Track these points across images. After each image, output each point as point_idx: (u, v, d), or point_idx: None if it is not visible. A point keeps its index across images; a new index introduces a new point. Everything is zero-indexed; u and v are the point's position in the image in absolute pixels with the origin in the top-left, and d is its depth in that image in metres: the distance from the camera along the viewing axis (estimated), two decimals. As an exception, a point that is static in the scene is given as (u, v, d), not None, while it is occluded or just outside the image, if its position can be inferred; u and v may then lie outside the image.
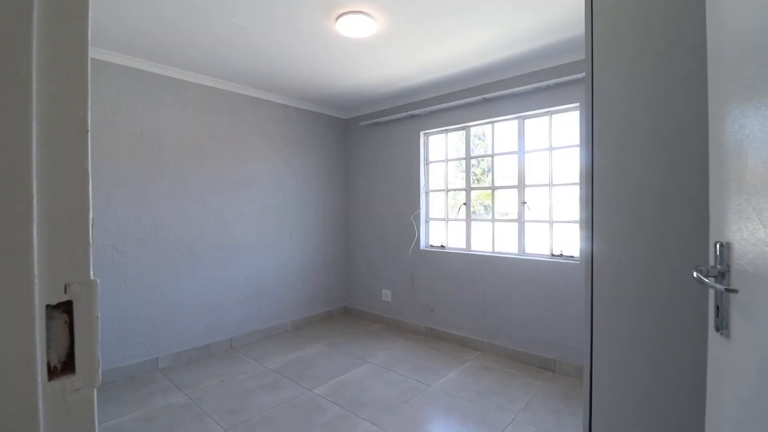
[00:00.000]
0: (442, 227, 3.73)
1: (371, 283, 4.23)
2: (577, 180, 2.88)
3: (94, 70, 2.72)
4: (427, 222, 3.84)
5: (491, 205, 3.35)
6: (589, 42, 1.06)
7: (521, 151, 3.16)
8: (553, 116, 3.02)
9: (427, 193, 3.83)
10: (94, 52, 2.69)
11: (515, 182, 3.20)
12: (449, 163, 3.69)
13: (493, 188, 3.34)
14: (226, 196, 3.43)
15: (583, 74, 2.78)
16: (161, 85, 3.04)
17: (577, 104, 2.83)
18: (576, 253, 2.89)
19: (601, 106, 1.06)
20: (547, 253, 3.02)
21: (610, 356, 1.02)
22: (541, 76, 2.96)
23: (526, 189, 3.15)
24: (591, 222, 1.10)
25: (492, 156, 3.34)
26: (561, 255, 2.95)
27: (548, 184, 3.02)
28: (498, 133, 3.34)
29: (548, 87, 2.92)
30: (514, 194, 3.22)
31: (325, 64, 2.96)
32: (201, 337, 3.27)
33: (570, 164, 2.97)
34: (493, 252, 3.31)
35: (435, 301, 3.63)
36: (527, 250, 3.13)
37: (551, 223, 3.00)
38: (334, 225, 4.42)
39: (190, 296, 3.20)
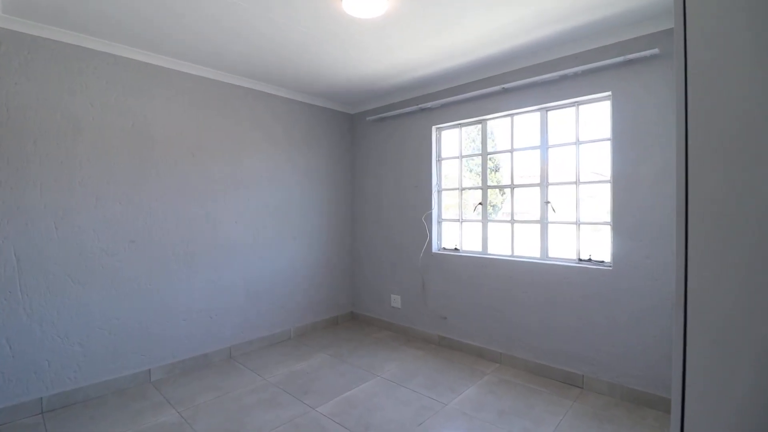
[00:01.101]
0: (456, 228, 3.47)
1: (379, 287, 3.99)
2: (608, 177, 2.61)
3: (81, 59, 2.50)
4: (439, 223, 3.58)
5: (510, 205, 3.08)
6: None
7: (544, 146, 2.90)
8: (581, 107, 2.75)
9: (439, 192, 3.58)
10: (80, 40, 2.48)
11: (536, 180, 2.94)
12: (463, 159, 3.43)
13: (512, 186, 3.07)
14: (224, 195, 3.21)
15: (616, 59, 2.53)
16: (154, 75, 2.82)
17: (608, 93, 2.56)
18: (607, 258, 2.62)
19: (700, 86, 0.78)
20: (574, 257, 2.75)
21: (712, 387, 0.76)
22: (567, 62, 2.69)
23: (550, 187, 2.88)
24: (685, 226, 0.81)
25: (511, 151, 3.08)
26: (589, 260, 2.68)
27: (574, 182, 2.76)
28: (518, 127, 3.07)
29: (576, 75, 2.66)
30: (535, 193, 2.95)
31: (328, 51, 2.71)
32: (198, 346, 3.05)
33: (599, 160, 2.70)
34: (512, 255, 3.04)
35: (448, 308, 3.38)
36: (551, 254, 2.87)
37: (578, 224, 2.73)
38: (340, 226, 4.18)
39: (186, 302, 2.98)
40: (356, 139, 4.24)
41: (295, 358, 3.16)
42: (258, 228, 3.44)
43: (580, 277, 2.65)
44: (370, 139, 4.07)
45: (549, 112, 2.89)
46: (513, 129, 3.07)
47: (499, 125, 3.20)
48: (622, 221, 2.48)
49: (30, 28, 2.30)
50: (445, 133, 3.57)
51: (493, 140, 3.26)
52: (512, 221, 3.05)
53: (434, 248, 3.52)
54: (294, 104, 3.73)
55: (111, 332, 2.63)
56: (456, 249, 3.43)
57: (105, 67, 2.61)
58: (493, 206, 3.31)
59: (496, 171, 3.37)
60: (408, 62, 2.92)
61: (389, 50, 2.70)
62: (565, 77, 2.71)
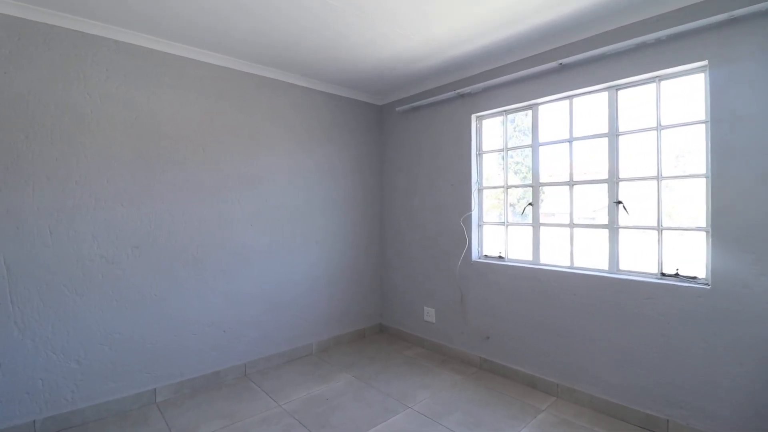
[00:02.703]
0: (500, 233, 2.98)
1: (411, 298, 3.55)
2: (704, 171, 2.04)
3: (78, 46, 2.25)
4: (480, 226, 3.10)
5: (569, 205, 2.56)
6: None
7: (613, 133, 2.36)
8: (662, 83, 2.20)
9: (479, 191, 3.10)
10: (79, 25, 2.23)
11: (601, 175, 2.40)
12: (508, 153, 2.93)
13: (571, 183, 2.55)
14: (237, 195, 2.90)
15: (716, 17, 1.85)
16: (160, 63, 2.55)
17: (703, 63, 2.00)
18: (700, 273, 2.06)
19: None
20: (654, 271, 2.20)
21: None
22: (646, 26, 2.15)
23: (621, 184, 2.34)
24: None
25: (570, 141, 2.56)
26: (676, 275, 2.12)
27: (655, 177, 2.20)
28: (577, 112, 2.54)
29: (658, 41, 2.11)
30: (600, 192, 2.42)
31: (352, 25, 2.32)
32: (208, 363, 2.75)
33: (691, 149, 2.14)
34: (571, 267, 2.52)
35: (491, 326, 2.89)
36: (622, 266, 2.33)
37: (660, 230, 2.18)
38: (367, 228, 3.79)
39: (195, 314, 2.69)
40: (385, 132, 3.83)
41: (316, 379, 2.80)
42: (276, 231, 3.11)
43: (664, 296, 2.09)
44: (400, 132, 3.65)
45: (619, 92, 2.35)
46: (572, 114, 2.55)
47: (553, 110, 2.68)
48: (725, 227, 1.92)
49: (21, 11, 2.07)
50: (486, 123, 3.08)
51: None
52: (571, 225, 2.53)
53: (474, 255, 3.05)
54: (315, 95, 3.37)
55: (112, 348, 2.37)
56: (500, 257, 2.93)
57: (105, 54, 2.35)
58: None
59: (548, 166, 2.85)
60: (445, 38, 2.48)
61: (424, 21, 2.26)
62: (642, 46, 2.16)
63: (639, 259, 2.29)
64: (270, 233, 3.07)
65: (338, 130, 3.54)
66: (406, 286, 3.60)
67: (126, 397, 2.40)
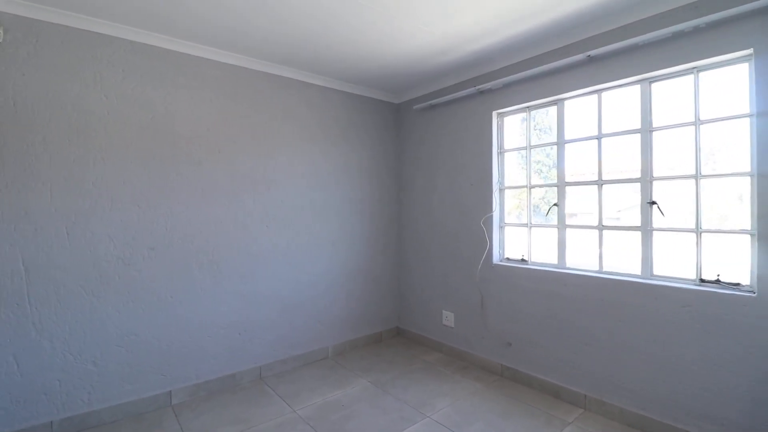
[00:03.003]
0: (523, 235, 2.85)
1: (429, 301, 3.46)
2: (749, 168, 1.88)
3: (95, 47, 2.25)
4: (501, 228, 2.98)
5: (598, 206, 2.41)
6: None
7: (646, 129, 2.21)
8: (701, 74, 2.04)
9: (501, 191, 2.98)
10: (94, 25, 2.23)
11: (633, 174, 2.26)
12: (528, 152, 2.80)
13: (600, 183, 2.41)
14: (253, 196, 2.86)
15: (763, 1, 1.78)
16: (175, 63, 2.53)
17: (748, 52, 1.84)
18: (744, 279, 1.89)
19: None
20: (693, 277, 2.05)
21: None
22: (684, 13, 2.00)
23: (655, 183, 2.19)
24: None
25: (599, 138, 2.41)
26: (717, 281, 1.96)
27: (693, 176, 2.05)
28: (606, 107, 2.40)
29: (696, 29, 1.96)
30: (632, 192, 2.28)
31: (369, 20, 2.24)
32: (224, 366, 2.72)
33: (733, 145, 1.98)
34: (600, 272, 2.38)
35: (513, 332, 2.77)
36: (656, 272, 2.18)
37: (699, 232, 2.03)
38: (384, 229, 3.71)
39: (211, 316, 2.67)
40: (402, 131, 3.74)
41: (331, 384, 2.73)
42: (291, 232, 3.06)
43: (703, 304, 1.94)
44: (418, 130, 3.56)
45: (653, 84, 2.20)
46: (601, 109, 2.41)
47: (579, 106, 2.54)
48: (774, 229, 1.76)
49: (38, 12, 2.07)
50: (508, 120, 2.96)
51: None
52: (600, 227, 2.39)
53: (495, 258, 2.93)
54: (331, 93, 3.31)
55: (128, 349, 2.36)
56: (523, 260, 2.81)
57: (121, 55, 2.34)
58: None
59: (571, 164, 2.71)
60: (467, 30, 2.37)
61: (445, 14, 2.17)
62: (679, 35, 2.01)
63: (675, 263, 2.14)
64: (285, 234, 3.02)
65: (355, 129, 3.47)
66: (424, 289, 3.51)
67: (141, 399, 2.39)
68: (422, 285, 3.52)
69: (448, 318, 3.25)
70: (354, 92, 3.45)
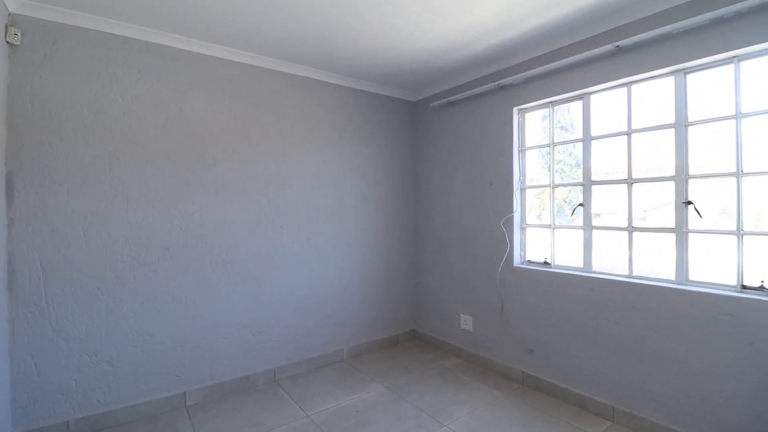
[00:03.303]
0: (545, 237, 2.72)
1: (447, 304, 3.36)
2: (799, 164, 1.72)
3: (110, 48, 2.25)
4: (522, 229, 2.86)
5: (628, 206, 2.27)
6: None
7: (680, 124, 2.06)
8: (742, 63, 1.88)
9: (522, 191, 2.85)
10: (110, 26, 2.23)
11: (666, 172, 2.11)
12: (547, 150, 2.67)
13: (629, 182, 2.26)
14: (267, 196, 2.83)
15: None
16: (190, 63, 2.51)
17: (799, 37, 1.68)
18: (794, 287, 1.73)
19: None
20: (733, 283, 1.89)
21: None
22: (724, -2, 1.84)
23: (691, 181, 2.04)
24: None
25: (628, 134, 2.27)
26: (762, 288, 1.80)
27: (734, 174, 1.89)
28: (636, 101, 2.26)
29: (738, 14, 1.80)
30: (664, 191, 2.13)
31: (384, 14, 2.17)
32: (238, 367, 2.70)
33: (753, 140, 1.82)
34: (629, 276, 2.24)
35: (535, 338, 2.65)
36: (692, 277, 2.02)
37: (740, 234, 1.87)
38: (400, 230, 3.63)
39: (225, 317, 2.65)
40: (419, 129, 3.65)
41: (346, 389, 2.67)
42: (306, 232, 3.02)
43: (746, 312, 1.78)
44: (435, 128, 3.46)
45: (688, 75, 2.05)
46: (630, 102, 2.26)
47: (606, 100, 2.40)
48: (829, 232, 1.59)
49: (55, 14, 2.08)
50: (529, 117, 2.83)
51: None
52: (630, 228, 2.25)
53: (516, 261, 2.81)
54: (346, 92, 3.25)
55: (143, 350, 2.36)
56: (546, 263, 2.68)
57: (136, 56, 2.34)
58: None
59: (596, 162, 2.56)
60: (486, 22, 2.27)
61: (463, 5, 2.07)
62: (718, 21, 1.86)
63: (713, 268, 1.99)
64: (300, 235, 2.98)
65: (370, 128, 3.41)
66: (441, 291, 3.41)
67: (156, 400, 2.39)
68: (439, 287, 3.42)
69: (467, 322, 3.15)
70: (369, 90, 3.38)
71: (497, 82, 2.78)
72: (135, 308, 2.34)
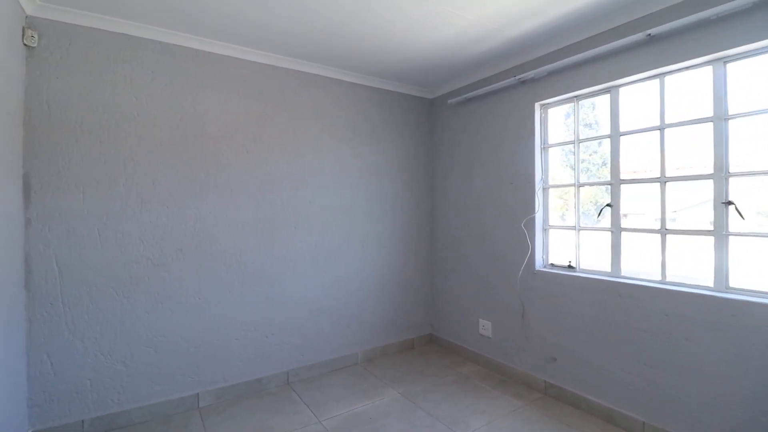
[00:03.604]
0: (570, 239, 2.58)
1: (464, 308, 3.24)
2: None
3: (125, 49, 2.26)
4: (545, 231, 2.72)
5: (661, 206, 2.11)
6: None
7: (720, 117, 1.89)
8: (793, 50, 1.71)
9: (544, 190, 2.72)
10: (124, 27, 2.23)
11: (703, 169, 1.95)
12: (570, 147, 2.53)
13: (662, 180, 2.11)
14: (281, 196, 2.79)
15: None
16: (204, 63, 2.50)
17: None
18: None
19: None
20: (781, 291, 1.72)
21: None
22: (771, -22, 1.68)
23: (731, 180, 1.87)
24: None
25: (661, 129, 2.11)
26: (815, 297, 1.63)
27: (783, 170, 1.72)
28: (669, 93, 2.10)
29: (788, -5, 1.63)
30: (702, 190, 1.96)
31: (404, 12, 2.09)
32: (251, 370, 2.67)
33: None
34: (662, 282, 2.08)
35: (558, 346, 2.51)
36: (732, 283, 1.86)
37: (789, 238, 1.70)
38: (416, 231, 3.54)
39: (238, 318, 2.62)
40: (436, 127, 3.55)
41: (360, 394, 2.60)
42: (321, 233, 2.97)
43: (797, 324, 1.62)
44: (452, 126, 3.36)
45: (728, 65, 1.88)
46: (663, 95, 2.10)
47: (635, 93, 2.25)
48: None
49: (70, 16, 2.10)
50: (552, 113, 2.70)
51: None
52: (663, 231, 2.09)
53: (538, 264, 2.68)
54: (361, 90, 3.19)
55: (157, 350, 2.36)
56: (570, 266, 2.54)
57: (151, 56, 2.34)
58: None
59: (624, 159, 2.41)
60: (506, 13, 2.16)
61: (477, -4, 1.97)
62: (763, 4, 1.69)
63: (756, 274, 1.82)
64: (314, 235, 2.93)
65: (386, 127, 3.33)
66: (459, 295, 3.30)
67: (170, 401, 2.38)
68: (457, 291, 3.31)
69: (486, 327, 3.03)
70: (385, 88, 3.30)
71: (518, 77, 2.65)
72: (149, 308, 2.34)
